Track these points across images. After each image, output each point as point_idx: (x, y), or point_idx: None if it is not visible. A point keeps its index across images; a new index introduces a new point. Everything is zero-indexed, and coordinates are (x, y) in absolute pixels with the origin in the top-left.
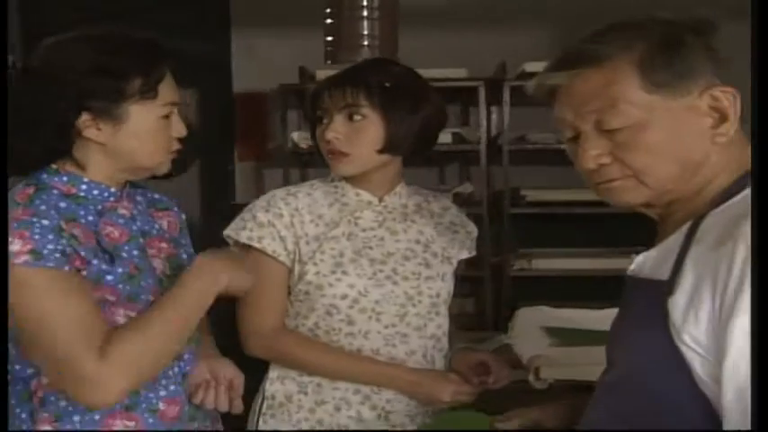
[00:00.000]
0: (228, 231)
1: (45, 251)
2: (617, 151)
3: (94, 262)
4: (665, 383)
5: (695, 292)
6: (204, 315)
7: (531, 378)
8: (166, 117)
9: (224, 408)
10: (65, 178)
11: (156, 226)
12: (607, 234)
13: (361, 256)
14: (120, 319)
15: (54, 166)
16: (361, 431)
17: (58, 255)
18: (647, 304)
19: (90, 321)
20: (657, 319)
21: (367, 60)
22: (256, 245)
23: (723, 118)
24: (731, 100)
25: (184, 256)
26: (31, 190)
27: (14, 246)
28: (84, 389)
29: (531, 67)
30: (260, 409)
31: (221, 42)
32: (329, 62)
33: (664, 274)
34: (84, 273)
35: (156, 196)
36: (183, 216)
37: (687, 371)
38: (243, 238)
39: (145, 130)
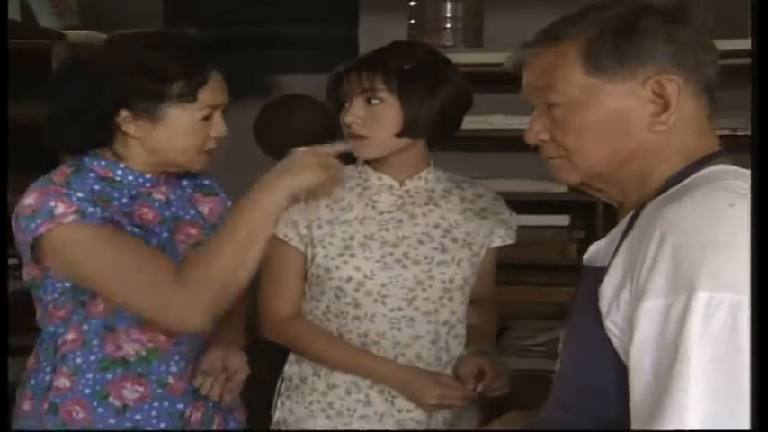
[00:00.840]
0: None
1: (89, 210)
2: (553, 129)
3: (129, 229)
4: (597, 371)
5: (620, 280)
6: (243, 302)
7: None
8: (205, 119)
9: (215, 398)
10: (103, 163)
11: (193, 212)
12: None
13: (372, 240)
14: None
15: (97, 151)
16: (366, 431)
17: (100, 215)
18: (588, 293)
19: (158, 256)
20: (591, 308)
21: (391, 43)
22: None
23: (666, 106)
24: (675, 89)
25: None
26: (69, 170)
27: (58, 209)
28: (170, 316)
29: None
30: (278, 390)
31: (350, 26)
32: None
33: (604, 262)
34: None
35: (206, 182)
36: (229, 203)
37: (616, 358)
38: None
39: (181, 130)
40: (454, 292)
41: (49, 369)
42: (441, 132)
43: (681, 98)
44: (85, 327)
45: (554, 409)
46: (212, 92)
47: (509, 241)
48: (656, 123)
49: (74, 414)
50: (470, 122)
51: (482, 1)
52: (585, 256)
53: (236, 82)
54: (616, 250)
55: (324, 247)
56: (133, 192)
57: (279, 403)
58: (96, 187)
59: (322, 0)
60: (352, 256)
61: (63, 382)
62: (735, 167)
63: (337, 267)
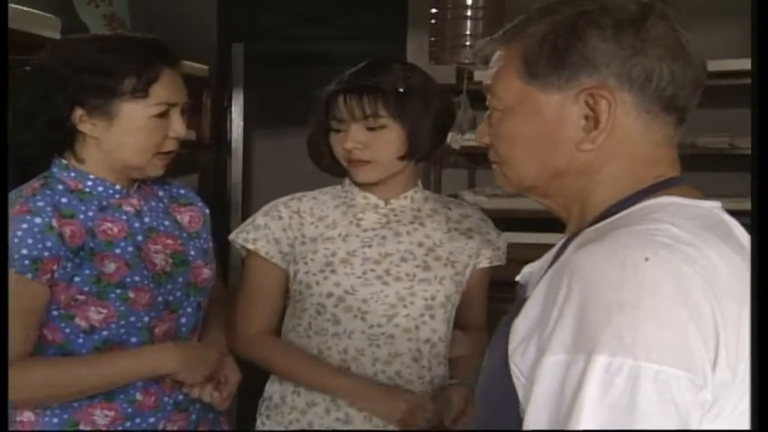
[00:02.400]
0: (232, 235)
1: (16, 255)
2: (491, 134)
3: (64, 263)
4: (498, 401)
5: (533, 323)
6: (223, 313)
7: None
8: (160, 116)
9: (207, 399)
10: (72, 174)
11: (168, 222)
12: None
13: (354, 256)
14: (93, 315)
15: (64, 162)
16: (350, 431)
17: (27, 262)
18: (510, 317)
19: (24, 332)
20: (505, 337)
21: (368, 64)
22: (251, 246)
23: (596, 124)
24: (606, 106)
25: (192, 252)
26: (38, 183)
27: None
28: None
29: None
30: (259, 410)
31: (398, 43)
32: (432, 63)
33: (530, 291)
34: (57, 273)
35: (182, 191)
36: (207, 210)
37: (514, 395)
38: (240, 240)
39: (135, 127)
40: (436, 309)
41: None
42: (432, 149)
43: (622, 117)
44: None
45: (477, 422)
46: (166, 88)
47: (497, 262)
48: (585, 141)
49: None
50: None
51: (502, 19)
52: (518, 277)
53: (288, 98)
54: (541, 278)
55: (306, 263)
56: (103, 203)
57: (259, 423)
58: (63, 200)
59: (370, 18)
60: (333, 272)
61: (27, 416)
62: (681, 200)
63: (318, 283)
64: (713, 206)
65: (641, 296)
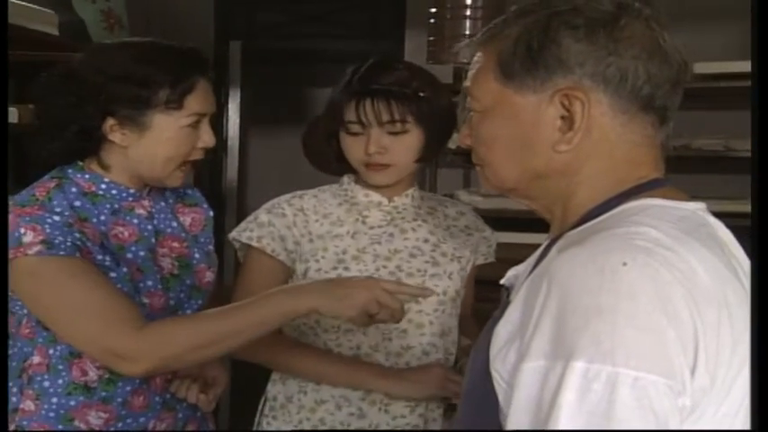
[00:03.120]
0: (232, 233)
1: (57, 241)
2: (472, 136)
3: (99, 257)
4: (479, 404)
5: (515, 327)
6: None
7: None
8: (190, 126)
9: (192, 400)
10: (87, 176)
11: (174, 224)
12: None
13: (365, 253)
14: None
15: (80, 163)
16: (333, 430)
17: (69, 244)
18: (493, 321)
19: (120, 299)
20: (488, 341)
21: (376, 64)
22: (255, 244)
23: (571, 125)
24: (579, 108)
25: (197, 255)
26: (52, 184)
27: (26, 237)
28: (120, 362)
29: (701, 67)
30: (261, 410)
31: (396, 42)
32: (431, 62)
33: (514, 294)
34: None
35: (189, 191)
36: (211, 213)
37: (495, 399)
38: (243, 238)
39: (167, 138)
40: (447, 304)
41: (15, 390)
42: (434, 151)
43: (598, 117)
44: (51, 351)
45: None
46: (199, 99)
47: (491, 259)
48: (561, 142)
49: None
50: None
51: None
52: (503, 280)
53: (285, 96)
54: (524, 282)
55: (317, 260)
56: (115, 206)
57: (264, 424)
58: (77, 203)
59: (368, 16)
60: (346, 269)
61: (28, 404)
62: (663, 202)
63: None
64: (696, 208)
65: (619, 301)
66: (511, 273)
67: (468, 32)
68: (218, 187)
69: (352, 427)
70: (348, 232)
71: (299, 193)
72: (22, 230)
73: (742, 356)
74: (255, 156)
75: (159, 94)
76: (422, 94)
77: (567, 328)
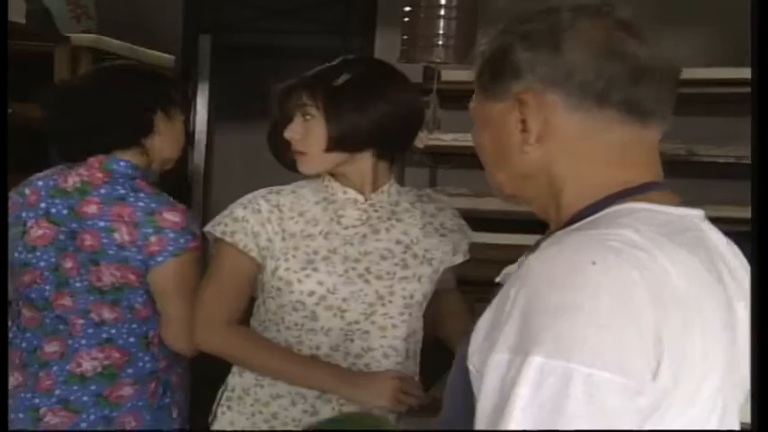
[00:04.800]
0: (207, 227)
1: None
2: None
3: None
4: (459, 401)
5: (491, 323)
6: None
7: None
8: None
9: None
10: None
11: None
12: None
13: (335, 254)
14: None
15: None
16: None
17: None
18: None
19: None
20: (468, 338)
21: (339, 59)
22: (228, 239)
23: (527, 127)
24: (530, 109)
25: None
26: (151, 187)
27: (196, 230)
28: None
29: None
30: (219, 399)
31: (366, 39)
32: (403, 61)
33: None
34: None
35: None
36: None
37: (473, 396)
38: (217, 232)
39: (179, 132)
40: (413, 307)
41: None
42: (386, 147)
43: (554, 116)
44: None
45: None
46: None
47: (467, 257)
48: (524, 144)
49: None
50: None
51: (475, 19)
52: (498, 278)
53: (253, 90)
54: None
55: (287, 260)
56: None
57: (219, 413)
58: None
59: (339, 13)
60: (315, 270)
61: (16, 377)
62: (650, 206)
63: (299, 281)
64: (687, 213)
65: (583, 300)
66: (504, 271)
67: (441, 32)
68: (185, 180)
69: (303, 423)
70: (321, 232)
71: (277, 188)
72: (193, 225)
73: (711, 361)
74: (222, 149)
75: (179, 94)
76: (335, 84)
77: (531, 324)
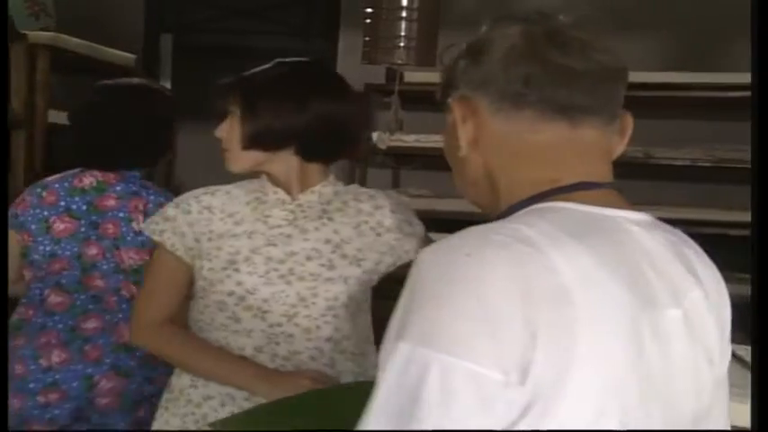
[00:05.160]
0: (142, 225)
1: None
2: None
3: None
4: None
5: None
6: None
7: None
8: None
9: None
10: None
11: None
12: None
13: (257, 254)
14: None
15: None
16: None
17: None
18: None
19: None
20: None
21: (275, 61)
22: (157, 238)
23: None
24: (460, 110)
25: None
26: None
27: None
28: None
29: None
30: (161, 401)
31: (329, 41)
32: (365, 62)
33: None
34: None
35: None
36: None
37: None
38: (148, 230)
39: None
40: (338, 309)
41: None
42: (307, 150)
43: (482, 120)
44: None
45: None
46: None
47: (401, 261)
48: (459, 150)
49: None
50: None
51: (437, 21)
52: None
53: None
54: None
55: (210, 260)
56: None
57: (158, 414)
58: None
59: (301, 14)
60: (236, 270)
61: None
62: (571, 205)
63: (221, 281)
64: (618, 215)
65: (451, 290)
66: None
67: (403, 34)
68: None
69: None
70: (245, 232)
71: (213, 188)
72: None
73: (600, 363)
74: (184, 148)
75: None
76: (256, 84)
77: (406, 314)
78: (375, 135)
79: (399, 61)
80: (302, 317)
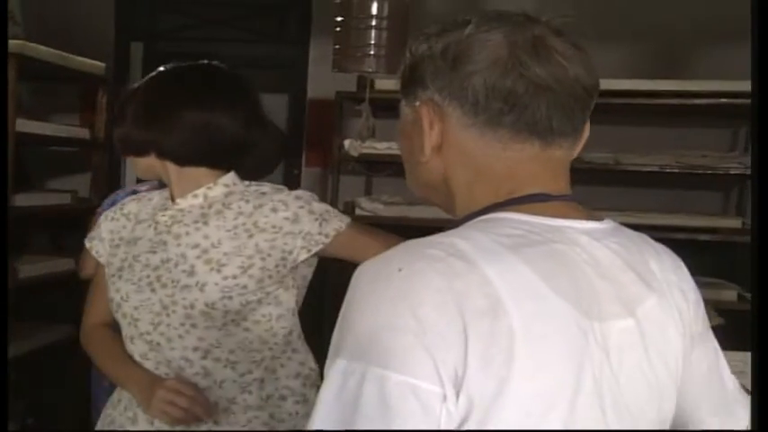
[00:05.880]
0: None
1: None
2: None
3: None
4: None
5: None
6: None
7: None
8: None
9: None
10: None
11: None
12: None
13: (137, 261)
14: None
15: None
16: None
17: None
18: None
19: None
20: None
21: (172, 64)
22: (87, 244)
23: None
24: (431, 119)
25: None
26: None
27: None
28: None
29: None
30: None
31: (300, 49)
32: (335, 70)
33: None
34: None
35: None
36: None
37: None
38: (87, 239)
39: None
40: (196, 318)
41: None
42: (177, 154)
43: (450, 128)
44: None
45: None
46: None
47: (317, 247)
48: (422, 154)
49: None
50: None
51: (407, 30)
52: None
53: None
54: None
55: (109, 267)
56: None
57: (103, 413)
58: None
59: (273, 22)
60: (119, 277)
61: None
62: (516, 215)
63: (109, 287)
64: (570, 226)
65: (382, 304)
66: None
67: (373, 42)
68: (116, 188)
69: (126, 429)
70: (135, 238)
71: (142, 194)
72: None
73: (538, 372)
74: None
75: None
76: (132, 89)
77: (341, 329)
78: (347, 142)
79: (369, 69)
80: (164, 325)
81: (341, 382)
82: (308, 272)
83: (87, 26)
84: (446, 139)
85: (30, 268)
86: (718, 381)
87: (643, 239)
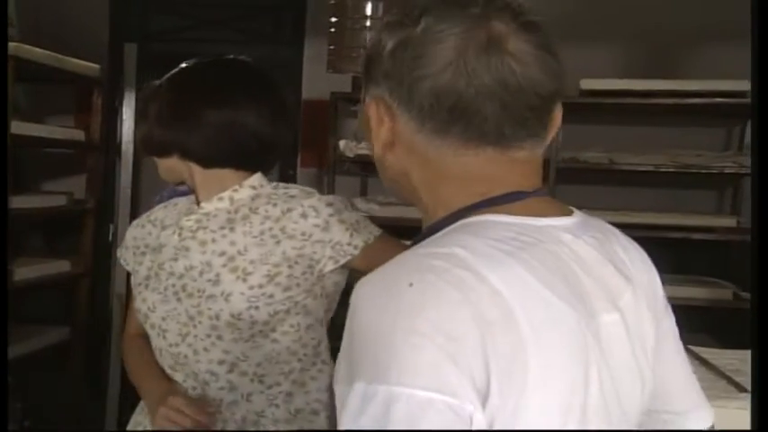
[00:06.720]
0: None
1: None
2: None
3: None
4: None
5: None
6: None
7: None
8: None
9: None
10: None
11: None
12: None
13: (162, 270)
14: None
15: None
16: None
17: None
18: None
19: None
20: None
21: (212, 58)
22: (118, 252)
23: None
24: (382, 116)
25: None
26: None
27: None
28: None
29: (587, 84)
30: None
31: (295, 49)
32: (330, 71)
33: None
34: None
35: None
36: None
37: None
38: (118, 250)
39: None
40: (222, 330)
41: None
42: (202, 155)
43: (400, 128)
44: None
45: None
46: None
47: (345, 258)
48: (374, 148)
49: None
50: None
51: None
52: None
53: None
54: None
55: (135, 275)
56: None
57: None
58: None
59: (268, 23)
60: (145, 286)
61: None
62: (499, 218)
63: (136, 297)
64: (553, 224)
65: (399, 321)
66: None
67: (367, 42)
68: (112, 190)
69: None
70: (160, 245)
71: (175, 200)
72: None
73: (552, 381)
74: (149, 160)
75: None
76: (153, 87)
77: (354, 352)
78: (342, 143)
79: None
80: (192, 336)
81: (362, 406)
82: (340, 278)
83: (81, 28)
84: (398, 137)
85: (25, 270)
86: (681, 362)
87: (607, 228)
